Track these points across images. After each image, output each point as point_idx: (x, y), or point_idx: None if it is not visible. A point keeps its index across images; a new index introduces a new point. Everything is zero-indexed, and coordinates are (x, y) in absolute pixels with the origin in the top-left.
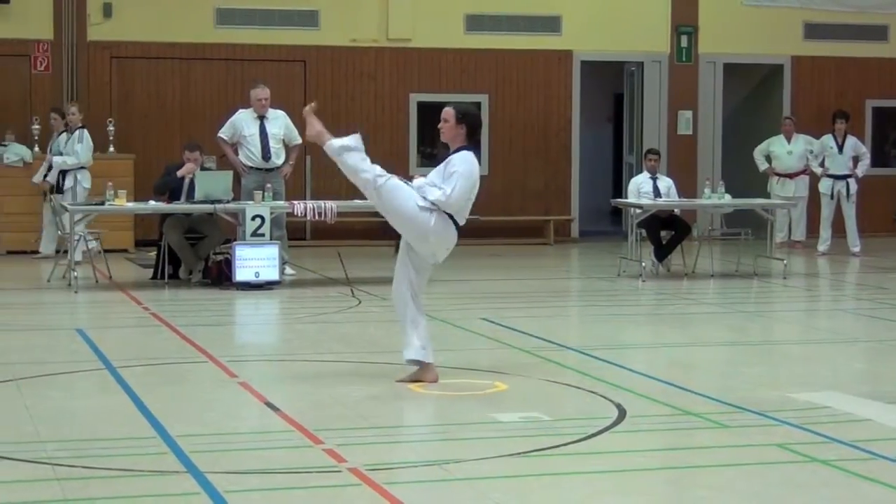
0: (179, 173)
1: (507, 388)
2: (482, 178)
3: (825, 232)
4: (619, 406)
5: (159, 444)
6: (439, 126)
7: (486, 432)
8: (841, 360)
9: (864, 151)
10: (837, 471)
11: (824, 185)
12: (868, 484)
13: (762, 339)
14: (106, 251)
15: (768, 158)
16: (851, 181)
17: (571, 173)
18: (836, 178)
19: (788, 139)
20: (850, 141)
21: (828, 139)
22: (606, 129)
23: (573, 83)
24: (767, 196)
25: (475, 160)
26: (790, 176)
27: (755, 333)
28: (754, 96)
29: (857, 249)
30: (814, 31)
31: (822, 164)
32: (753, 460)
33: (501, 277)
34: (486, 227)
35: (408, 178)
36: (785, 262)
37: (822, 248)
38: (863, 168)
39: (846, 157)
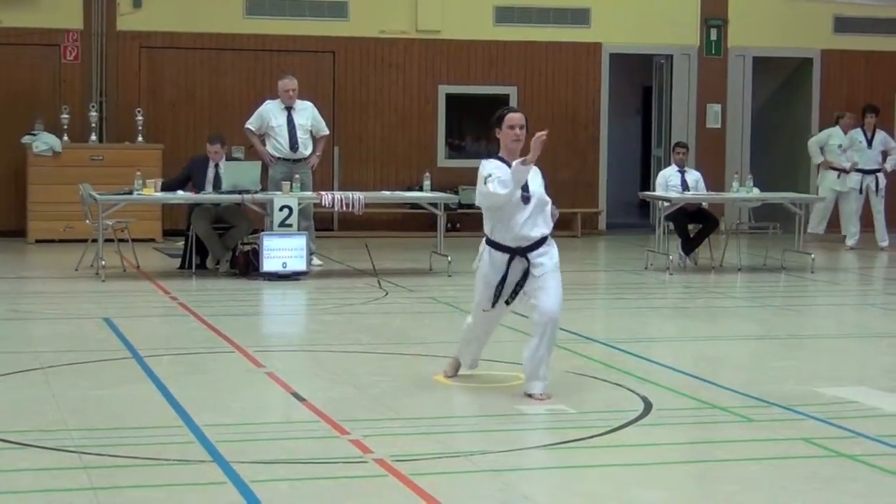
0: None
1: None
2: None
3: (854, 227)
4: (644, 399)
5: (186, 434)
6: (517, 133)
7: (512, 424)
8: (868, 354)
9: (894, 146)
10: (864, 466)
11: (853, 180)
12: (894, 479)
13: (789, 334)
14: (134, 240)
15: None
16: (880, 175)
17: (599, 166)
18: (866, 172)
19: (845, 133)
20: (880, 135)
21: (857, 133)
22: (635, 122)
23: (602, 75)
24: (807, 190)
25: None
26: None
27: (782, 327)
28: (783, 90)
29: (885, 244)
30: (844, 24)
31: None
32: (779, 455)
33: None
34: None
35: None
36: (813, 256)
37: (850, 242)
38: (892, 162)
39: (875, 151)
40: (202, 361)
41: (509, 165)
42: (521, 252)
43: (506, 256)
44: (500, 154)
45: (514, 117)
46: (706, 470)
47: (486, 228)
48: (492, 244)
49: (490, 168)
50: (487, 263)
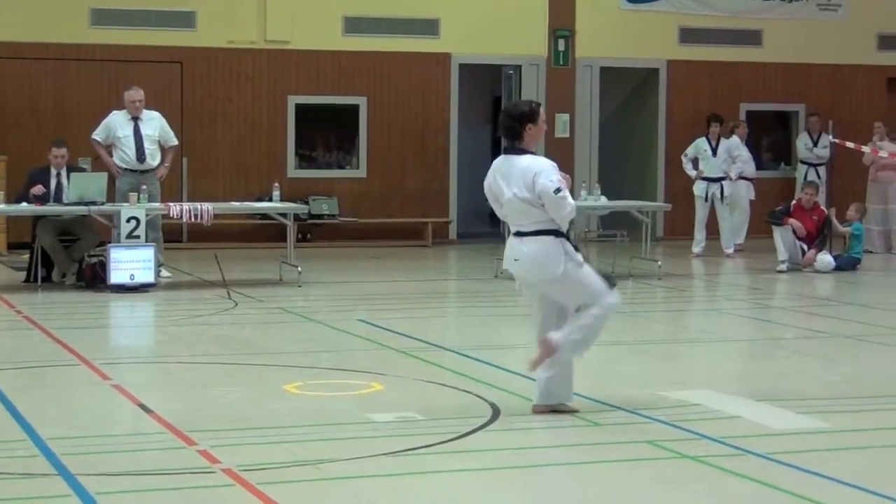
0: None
1: (382, 388)
2: (361, 180)
3: (699, 234)
4: (493, 405)
5: (30, 447)
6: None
7: (361, 432)
8: (712, 358)
9: (738, 154)
10: (707, 466)
11: (699, 188)
12: (736, 479)
13: (636, 339)
14: None
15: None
16: (725, 183)
17: (450, 175)
18: (711, 180)
19: (742, 141)
20: (725, 144)
21: (702, 142)
22: (485, 132)
23: (451, 86)
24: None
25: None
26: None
27: (629, 333)
28: (631, 100)
29: (730, 251)
30: (689, 35)
31: (696, 167)
32: (624, 457)
33: (379, 279)
34: (364, 229)
35: None
36: (660, 263)
37: (696, 249)
38: (736, 170)
39: (720, 159)
40: (47, 375)
41: None
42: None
43: None
44: (528, 149)
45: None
46: (552, 474)
47: (552, 224)
48: (562, 234)
49: (555, 176)
50: (574, 253)
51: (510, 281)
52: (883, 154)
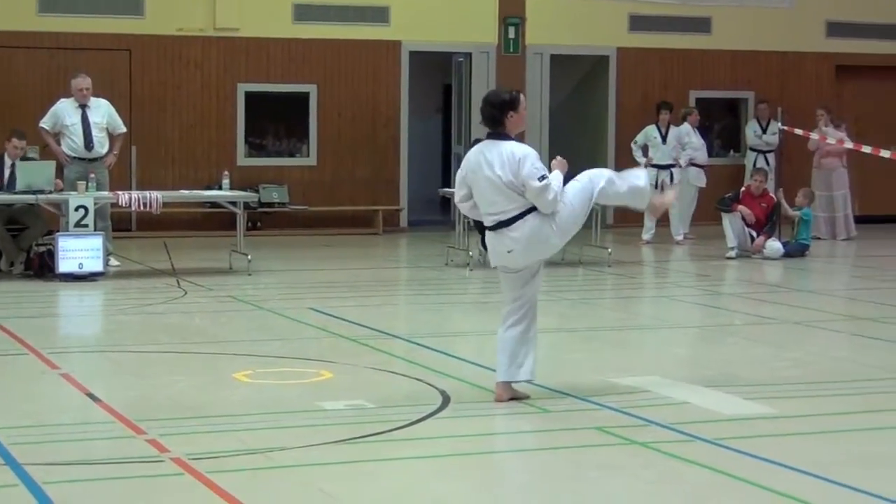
0: None
1: (332, 376)
2: (311, 168)
3: (649, 221)
4: (443, 393)
5: None
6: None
7: (311, 420)
8: (662, 345)
9: (687, 141)
10: (655, 452)
11: (650, 175)
12: (685, 465)
13: (586, 326)
14: None
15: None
16: (675, 171)
17: (400, 163)
18: (660, 167)
19: (693, 127)
20: (674, 131)
21: (652, 129)
22: (435, 120)
23: (402, 74)
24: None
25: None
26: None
27: (579, 320)
28: (581, 87)
29: (679, 238)
30: (639, 22)
31: (646, 154)
32: (573, 444)
33: (330, 267)
34: (315, 217)
35: None
36: (609, 250)
37: (646, 236)
38: (685, 158)
39: (670, 146)
40: None
41: None
42: None
43: None
44: (507, 134)
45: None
46: (501, 460)
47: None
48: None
49: (539, 164)
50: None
51: (460, 268)
52: (831, 141)
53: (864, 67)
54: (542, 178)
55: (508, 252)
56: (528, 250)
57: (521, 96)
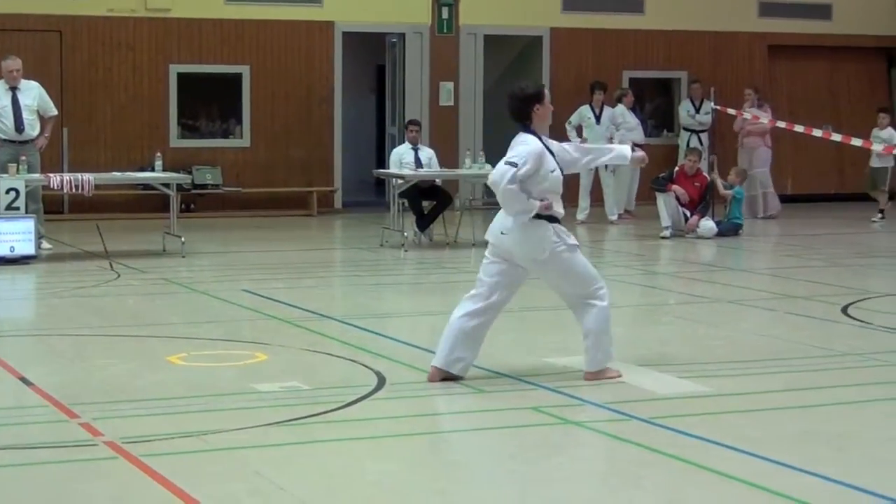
0: None
1: (267, 358)
2: (245, 149)
3: (584, 201)
4: (378, 374)
5: None
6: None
7: (246, 402)
8: None
9: (622, 122)
10: (591, 432)
11: None
12: (620, 444)
13: (520, 306)
14: None
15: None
16: None
17: (334, 144)
18: None
19: (629, 108)
20: (608, 112)
21: (585, 110)
22: (369, 101)
23: (335, 54)
24: None
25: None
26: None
27: (514, 300)
28: (514, 67)
29: (614, 218)
30: (572, 3)
31: (580, 135)
32: (509, 424)
33: (264, 249)
34: (249, 199)
35: None
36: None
37: (580, 216)
38: (619, 137)
39: (604, 127)
40: None
41: (541, 139)
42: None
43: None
44: (533, 129)
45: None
46: (437, 441)
47: (539, 207)
48: (555, 220)
49: (524, 153)
50: (567, 234)
51: (395, 249)
52: (763, 121)
53: (796, 47)
54: (509, 162)
55: (502, 234)
56: (516, 244)
57: (545, 90)
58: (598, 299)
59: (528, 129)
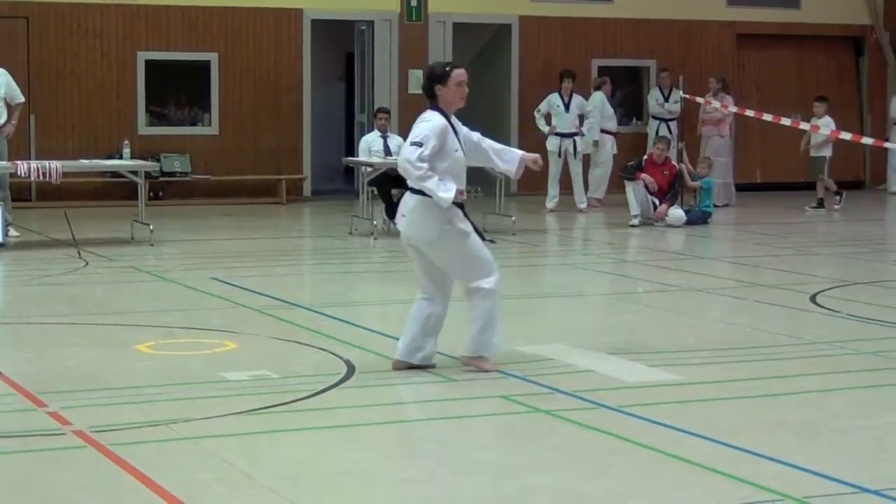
0: None
1: (236, 346)
2: (214, 137)
3: (553, 189)
4: (348, 362)
5: None
6: (466, 91)
7: (215, 391)
8: (565, 313)
9: (590, 109)
10: (559, 420)
11: (552, 143)
12: (589, 432)
13: None
14: None
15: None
16: (578, 139)
17: (303, 132)
18: (564, 136)
19: (610, 97)
20: (577, 100)
21: (554, 98)
22: (338, 88)
23: (304, 42)
24: None
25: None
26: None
27: None
28: (483, 55)
29: (583, 206)
30: None
31: (549, 123)
32: (478, 412)
33: (233, 237)
34: (217, 187)
35: None
36: (514, 218)
37: (550, 204)
38: (588, 125)
39: (572, 115)
40: None
41: (448, 118)
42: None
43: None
44: (440, 107)
45: (463, 73)
46: (407, 429)
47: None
48: (458, 204)
49: (425, 132)
50: (461, 219)
51: (365, 237)
52: (732, 109)
53: (765, 36)
54: (414, 142)
55: (402, 216)
56: (410, 225)
57: (457, 71)
58: (486, 286)
59: (435, 107)
